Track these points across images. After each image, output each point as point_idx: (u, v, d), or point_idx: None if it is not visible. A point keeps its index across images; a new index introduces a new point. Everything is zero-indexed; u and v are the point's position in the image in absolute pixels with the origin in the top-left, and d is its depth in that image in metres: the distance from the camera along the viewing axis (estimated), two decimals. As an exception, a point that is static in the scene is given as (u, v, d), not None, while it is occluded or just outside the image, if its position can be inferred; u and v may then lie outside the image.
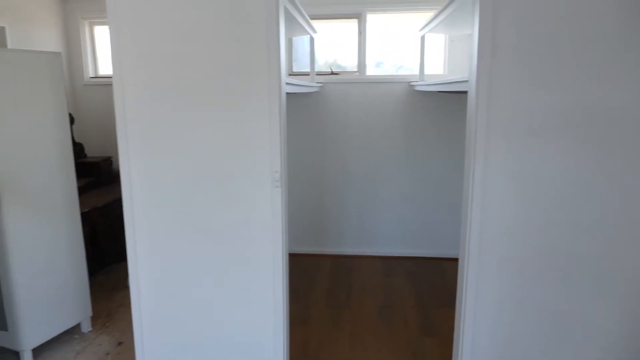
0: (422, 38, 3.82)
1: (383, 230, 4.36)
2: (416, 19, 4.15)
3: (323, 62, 4.29)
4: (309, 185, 4.31)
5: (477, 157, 1.84)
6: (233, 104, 1.98)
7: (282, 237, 2.06)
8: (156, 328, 2.23)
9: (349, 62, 4.30)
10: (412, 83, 3.99)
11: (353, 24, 4.21)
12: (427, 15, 3.95)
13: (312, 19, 3.57)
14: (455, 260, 4.29)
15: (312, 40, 3.87)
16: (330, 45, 4.28)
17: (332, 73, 4.22)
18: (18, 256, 2.67)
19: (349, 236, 4.40)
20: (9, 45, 3.80)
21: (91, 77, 4.65)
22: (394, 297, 3.63)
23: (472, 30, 1.82)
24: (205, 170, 2.05)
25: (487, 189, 1.87)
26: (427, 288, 3.80)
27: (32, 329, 2.77)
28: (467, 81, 1.96)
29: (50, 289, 2.88)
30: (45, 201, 2.81)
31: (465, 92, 2.20)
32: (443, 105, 4.06)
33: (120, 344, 3.03)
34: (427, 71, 3.96)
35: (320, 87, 4.06)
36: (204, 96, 1.99)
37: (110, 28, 2.00)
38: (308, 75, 3.99)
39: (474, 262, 1.94)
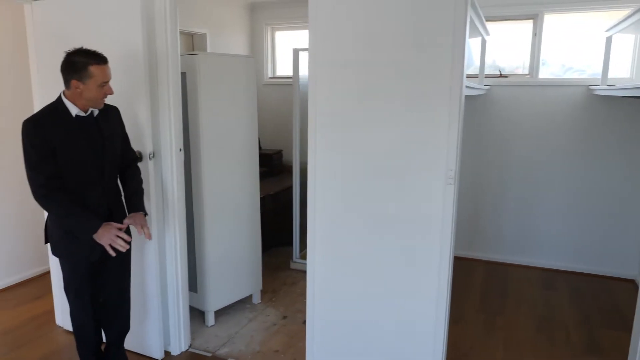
0: (609, 39, 3.55)
1: (544, 241, 4.14)
2: (597, 19, 3.86)
3: (490, 63, 4.21)
4: (467, 187, 4.27)
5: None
6: (413, 106, 2.10)
7: (452, 233, 2.13)
8: (325, 308, 2.46)
9: (516, 65, 4.16)
10: (591, 87, 3.73)
11: (526, 25, 4.06)
12: (612, 14, 3.65)
13: (486, 21, 3.54)
14: (627, 280, 3.92)
15: (483, 42, 3.83)
16: (499, 47, 4.18)
17: (501, 76, 4.12)
18: (211, 232, 3.12)
19: (505, 243, 4.27)
20: (209, 48, 4.41)
21: (269, 78, 5.16)
22: (554, 311, 3.45)
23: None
24: (383, 166, 2.20)
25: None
26: (592, 306, 3.53)
27: (216, 294, 3.22)
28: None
29: (233, 261, 3.31)
30: (235, 185, 3.24)
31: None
32: (628, 112, 3.73)
33: (284, 317, 3.36)
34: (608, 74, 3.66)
35: (488, 89, 3.99)
36: (386, 98, 2.15)
37: (310, 35, 2.26)
38: (476, 77, 3.97)
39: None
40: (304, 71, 3.99)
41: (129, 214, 2.35)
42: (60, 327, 3.18)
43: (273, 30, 4.90)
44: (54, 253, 2.30)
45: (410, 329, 2.28)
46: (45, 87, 2.80)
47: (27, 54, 2.94)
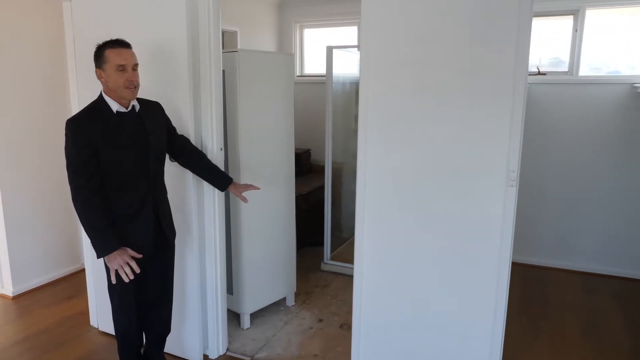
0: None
1: (585, 244, 4.03)
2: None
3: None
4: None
5: None
6: (472, 103, 2.02)
7: (512, 236, 2.04)
8: (373, 312, 2.38)
9: (555, 62, 4.05)
10: (635, 84, 3.61)
11: (566, 20, 3.95)
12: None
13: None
14: (674, 286, 3.80)
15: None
16: (538, 44, 4.07)
17: (539, 73, 4.01)
18: (248, 232, 3.06)
19: (544, 246, 4.16)
20: (239, 46, 4.36)
21: (297, 76, 5.10)
22: (599, 317, 3.34)
23: None
24: (439, 165, 2.12)
25: None
26: (638, 311, 3.42)
27: (252, 296, 3.15)
28: None
29: (269, 263, 3.24)
30: (272, 186, 3.18)
31: None
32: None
33: (320, 320, 3.29)
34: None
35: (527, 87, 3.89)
36: (443, 95, 2.06)
37: (361, 31, 2.19)
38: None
39: None
40: (337, 69, 3.92)
41: (222, 189, 2.55)
42: (95, 328, 3.14)
43: (302, 28, 4.84)
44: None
45: (465, 333, 2.20)
46: (84, 87, 2.76)
47: (64, 53, 2.90)
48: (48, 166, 3.69)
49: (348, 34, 4.71)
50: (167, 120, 2.37)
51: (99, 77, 2.08)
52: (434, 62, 2.06)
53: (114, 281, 2.12)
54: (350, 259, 4.23)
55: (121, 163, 2.10)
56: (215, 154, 2.60)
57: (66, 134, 2.03)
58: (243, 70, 2.86)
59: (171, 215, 2.38)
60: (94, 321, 3.16)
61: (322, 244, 4.55)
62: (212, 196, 2.64)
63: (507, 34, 1.91)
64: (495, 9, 1.92)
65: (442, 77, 2.06)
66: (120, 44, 2.07)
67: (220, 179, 2.52)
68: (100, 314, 3.06)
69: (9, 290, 3.56)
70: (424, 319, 2.28)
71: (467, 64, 2.00)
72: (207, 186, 2.63)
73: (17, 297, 3.56)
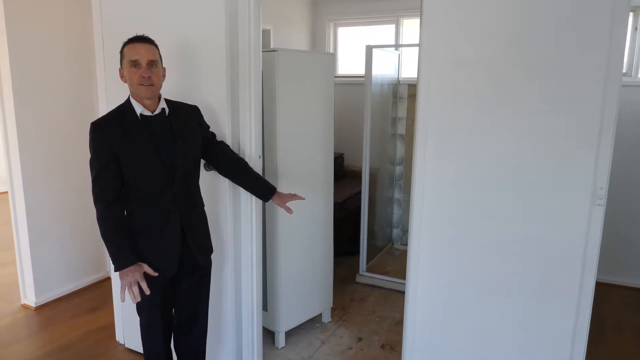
0: None
1: (641, 259, 3.73)
2: None
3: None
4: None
5: None
6: (553, 110, 1.78)
7: (596, 262, 1.79)
8: (430, 339, 2.15)
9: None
10: None
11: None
12: None
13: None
14: None
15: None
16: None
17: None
18: (284, 246, 2.84)
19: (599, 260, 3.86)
20: (272, 45, 4.16)
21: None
22: (664, 342, 3.06)
23: None
24: (509, 178, 1.88)
25: None
26: None
27: (288, 313, 2.94)
28: None
29: (305, 278, 3.03)
30: (310, 198, 2.95)
31: None
32: None
33: (359, 340, 3.07)
34: None
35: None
36: (518, 101, 1.83)
37: (422, 28, 1.95)
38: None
39: None
40: (375, 70, 3.69)
41: (266, 199, 2.31)
42: (121, 344, 2.96)
43: (336, 27, 4.61)
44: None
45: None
46: (112, 89, 2.58)
47: (93, 52, 2.72)
48: (71, 171, 3.51)
49: (383, 32, 4.47)
50: (204, 126, 2.17)
51: (121, 76, 1.93)
52: (509, 63, 1.82)
53: (123, 300, 1.92)
54: (386, 271, 4.00)
55: (143, 171, 1.91)
56: (254, 161, 2.39)
57: (89, 138, 1.87)
58: (282, 71, 2.64)
59: (206, 232, 2.16)
60: (119, 336, 2.97)
61: (354, 253, 4.34)
62: (250, 207, 2.44)
63: (599, 32, 1.66)
64: (586, 4, 1.67)
65: (517, 81, 1.81)
66: (136, 39, 1.89)
67: (264, 188, 2.29)
68: (127, 329, 2.87)
69: (31, 300, 3.40)
70: (484, 351, 2.03)
71: (549, 66, 1.76)
72: (244, 196, 2.42)
73: (40, 308, 3.40)
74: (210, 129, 2.22)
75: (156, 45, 1.93)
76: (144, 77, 1.85)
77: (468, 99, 1.90)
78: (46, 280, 3.44)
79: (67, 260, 3.58)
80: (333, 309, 3.39)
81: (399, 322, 3.27)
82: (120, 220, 1.89)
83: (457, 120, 1.94)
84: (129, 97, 1.94)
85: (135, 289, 1.87)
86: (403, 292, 3.63)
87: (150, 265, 1.96)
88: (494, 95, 1.86)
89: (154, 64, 1.89)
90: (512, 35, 1.79)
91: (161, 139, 1.94)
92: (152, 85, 1.88)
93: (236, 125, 2.36)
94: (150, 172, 1.91)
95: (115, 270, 1.90)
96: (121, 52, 1.91)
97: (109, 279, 3.77)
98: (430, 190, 2.03)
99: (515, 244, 1.90)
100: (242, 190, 2.41)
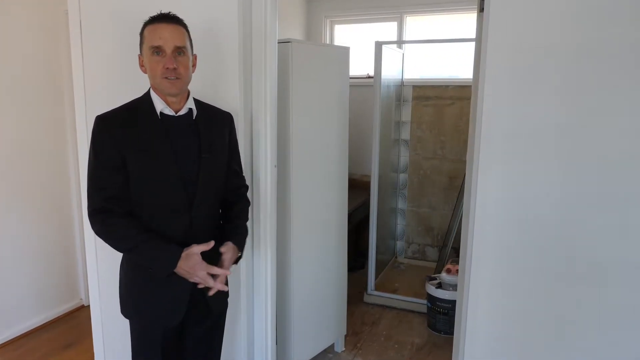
0: None
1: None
2: None
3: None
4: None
5: None
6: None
7: None
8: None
9: None
10: None
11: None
12: None
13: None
14: None
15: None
16: None
17: None
18: (297, 274, 2.46)
19: None
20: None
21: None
22: None
23: None
24: (610, 194, 1.55)
25: None
26: None
27: (299, 345, 2.56)
28: None
29: (318, 306, 2.66)
30: (323, 217, 2.60)
31: None
32: None
33: (380, 372, 2.70)
34: None
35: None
36: (617, 95, 1.50)
37: (485, 10, 1.61)
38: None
39: None
40: (385, 69, 3.35)
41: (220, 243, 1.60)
42: (104, 390, 2.49)
43: (332, 24, 4.27)
44: (122, 311, 1.65)
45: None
46: (92, 85, 2.14)
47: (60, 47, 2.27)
48: (39, 186, 2.96)
49: (383, 30, 4.15)
50: (233, 140, 1.72)
51: (140, 65, 1.53)
52: (602, 51, 1.49)
53: (211, 293, 1.53)
54: (394, 288, 3.65)
55: (156, 185, 1.50)
56: (268, 172, 2.01)
57: (92, 134, 1.48)
58: (297, 66, 2.27)
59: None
60: (102, 381, 2.50)
61: (358, 268, 3.98)
62: (265, 227, 2.04)
63: None
64: None
65: (612, 74, 1.49)
66: (160, 18, 1.48)
67: (225, 239, 1.63)
68: (112, 374, 2.42)
69: (-8, 337, 2.88)
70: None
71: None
72: (261, 211, 2.03)
73: (2, 347, 2.88)
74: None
75: (185, 26, 1.53)
76: (168, 68, 1.45)
77: (548, 94, 1.57)
78: (8, 313, 2.91)
79: (33, 287, 3.05)
80: (345, 335, 3.01)
81: (420, 349, 2.93)
82: (131, 218, 1.49)
83: (532, 121, 1.60)
84: (148, 90, 1.54)
85: (210, 280, 1.50)
86: (417, 313, 3.35)
87: (149, 312, 1.57)
88: (585, 89, 1.52)
89: (182, 51, 1.48)
90: (606, 13, 1.47)
91: (183, 147, 1.53)
92: (179, 78, 1.47)
93: (248, 131, 1.97)
94: (165, 188, 1.50)
95: (163, 274, 1.49)
96: (141, 34, 1.50)
97: (83, 307, 3.29)
98: (492, 207, 1.68)
99: (606, 267, 1.58)
100: (255, 218, 2.03)
